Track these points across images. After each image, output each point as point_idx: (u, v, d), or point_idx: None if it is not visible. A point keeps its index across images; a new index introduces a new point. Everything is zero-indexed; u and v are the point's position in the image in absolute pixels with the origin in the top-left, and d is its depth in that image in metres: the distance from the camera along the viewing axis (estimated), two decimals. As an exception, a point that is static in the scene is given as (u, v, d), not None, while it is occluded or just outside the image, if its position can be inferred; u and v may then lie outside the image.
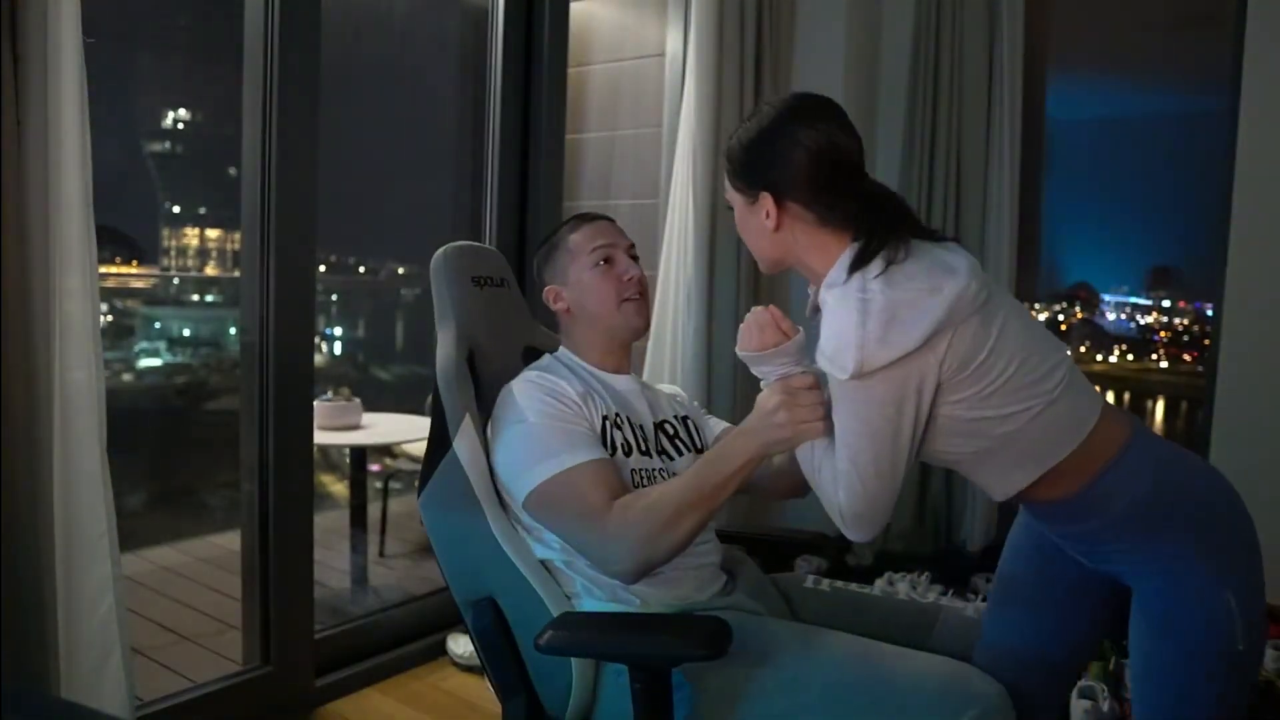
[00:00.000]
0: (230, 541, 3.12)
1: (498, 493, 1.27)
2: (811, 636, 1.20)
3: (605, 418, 1.29)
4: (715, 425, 1.53)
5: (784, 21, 2.92)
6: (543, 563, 1.25)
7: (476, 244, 1.49)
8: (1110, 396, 3.37)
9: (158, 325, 4.21)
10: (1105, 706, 2.01)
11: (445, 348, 1.32)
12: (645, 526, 1.13)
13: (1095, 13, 3.03)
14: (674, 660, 1.08)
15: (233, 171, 2.12)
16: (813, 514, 1.26)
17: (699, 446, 1.42)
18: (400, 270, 4.51)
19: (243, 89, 1.99)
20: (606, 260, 1.37)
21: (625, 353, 1.42)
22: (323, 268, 3.67)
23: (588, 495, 1.17)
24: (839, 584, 1.44)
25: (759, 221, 1.17)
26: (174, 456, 3.84)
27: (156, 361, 4.22)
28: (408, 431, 3.28)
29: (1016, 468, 1.10)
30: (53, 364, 1.40)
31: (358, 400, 3.10)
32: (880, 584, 2.68)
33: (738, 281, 2.75)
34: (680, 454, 1.37)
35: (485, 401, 1.34)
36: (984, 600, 1.49)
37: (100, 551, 1.45)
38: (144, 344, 4.17)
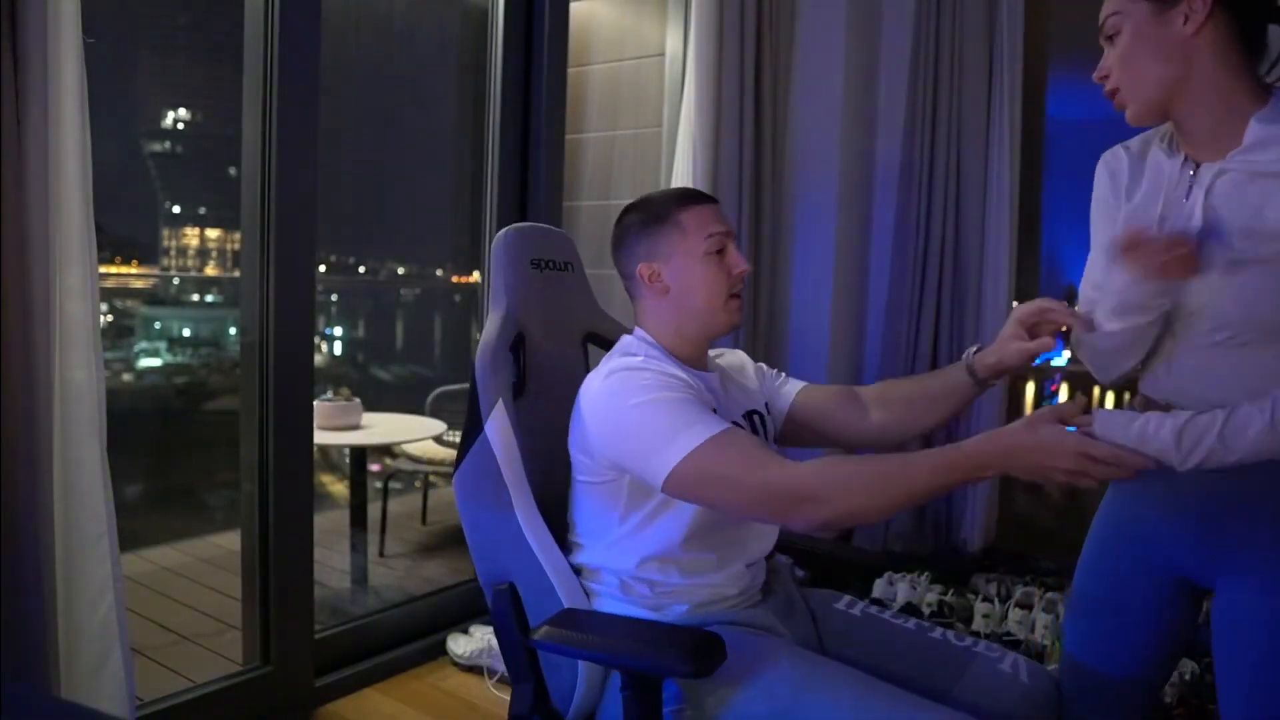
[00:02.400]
0: (230, 541, 3.12)
1: (528, 480, 1.24)
2: (817, 671, 1.13)
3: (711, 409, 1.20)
4: (789, 386, 1.43)
5: (784, 21, 2.92)
6: (575, 569, 1.24)
7: (543, 225, 1.46)
8: (1110, 397, 3.37)
9: (158, 325, 4.21)
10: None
11: (489, 330, 1.30)
12: (861, 477, 1.07)
13: (1095, 13, 3.04)
14: (657, 671, 1.06)
15: (233, 171, 2.11)
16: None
17: (774, 438, 1.36)
18: (400, 270, 4.51)
19: (243, 89, 1.99)
20: (719, 250, 1.26)
21: (707, 348, 1.34)
22: (323, 268, 3.67)
23: (753, 453, 1.09)
24: (873, 610, 1.36)
25: (1169, 34, 0.99)
26: (174, 456, 3.84)
27: (156, 361, 4.22)
28: (408, 431, 3.28)
29: None
30: (53, 364, 1.40)
31: (358, 400, 3.10)
32: (880, 584, 2.69)
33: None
34: None
35: (533, 386, 1.33)
36: (997, 633, 1.46)
37: (100, 551, 1.45)
38: (144, 344, 4.17)
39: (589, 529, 1.25)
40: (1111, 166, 1.16)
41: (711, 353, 1.38)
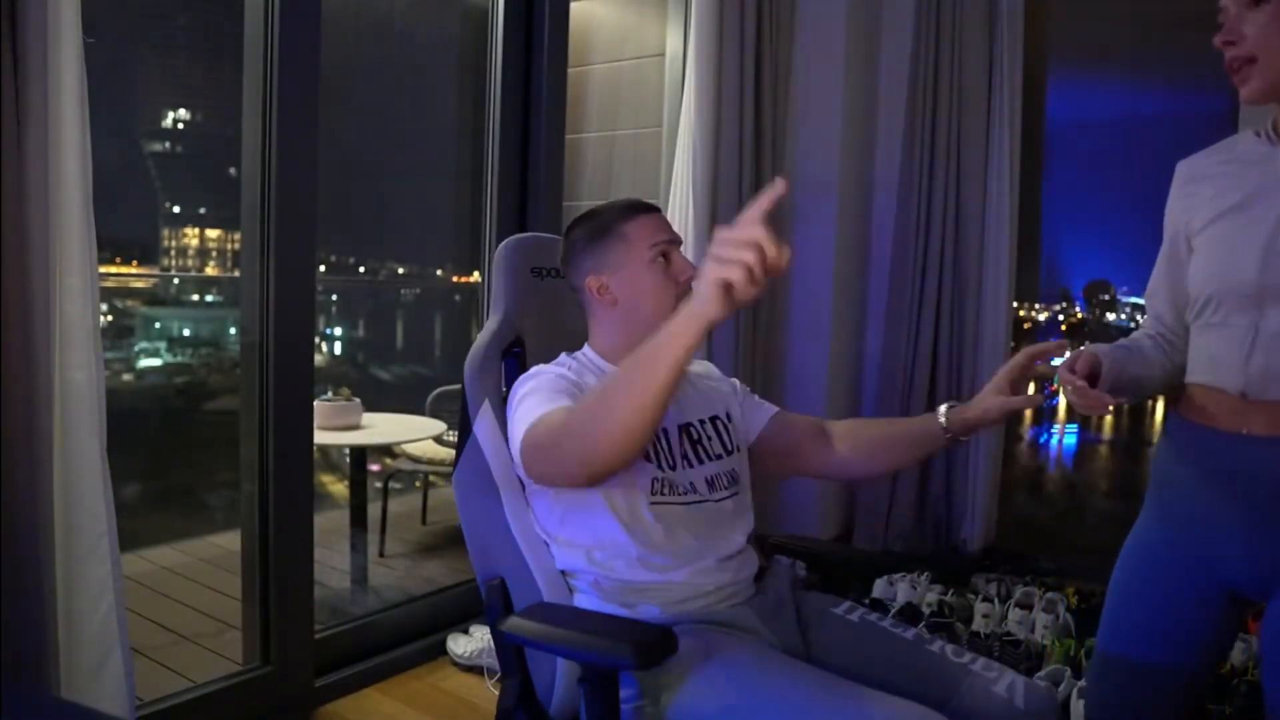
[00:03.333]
0: (230, 541, 3.12)
1: (518, 478, 1.28)
2: (775, 670, 1.12)
3: None
4: (761, 411, 1.45)
5: (784, 21, 2.92)
6: (562, 572, 1.26)
7: (547, 235, 1.49)
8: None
9: (158, 325, 4.21)
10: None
11: (482, 335, 1.35)
12: (579, 416, 1.06)
13: (1095, 13, 3.04)
14: (602, 662, 1.06)
15: (233, 171, 2.12)
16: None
17: (729, 448, 1.35)
18: (400, 270, 4.51)
19: (243, 89, 1.99)
20: (665, 256, 1.28)
21: None
22: (323, 268, 3.67)
23: (555, 417, 1.11)
24: (873, 617, 1.33)
25: None
26: (174, 456, 3.84)
27: (156, 361, 4.22)
28: (408, 431, 3.28)
29: None
30: (53, 364, 1.40)
31: (358, 400, 3.10)
32: (880, 584, 2.69)
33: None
34: (702, 460, 1.30)
35: None
36: (991, 651, 1.43)
37: (100, 551, 1.45)
38: (144, 344, 4.17)
39: (549, 533, 1.27)
40: (1184, 173, 1.18)
41: (693, 367, 1.40)
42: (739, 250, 0.83)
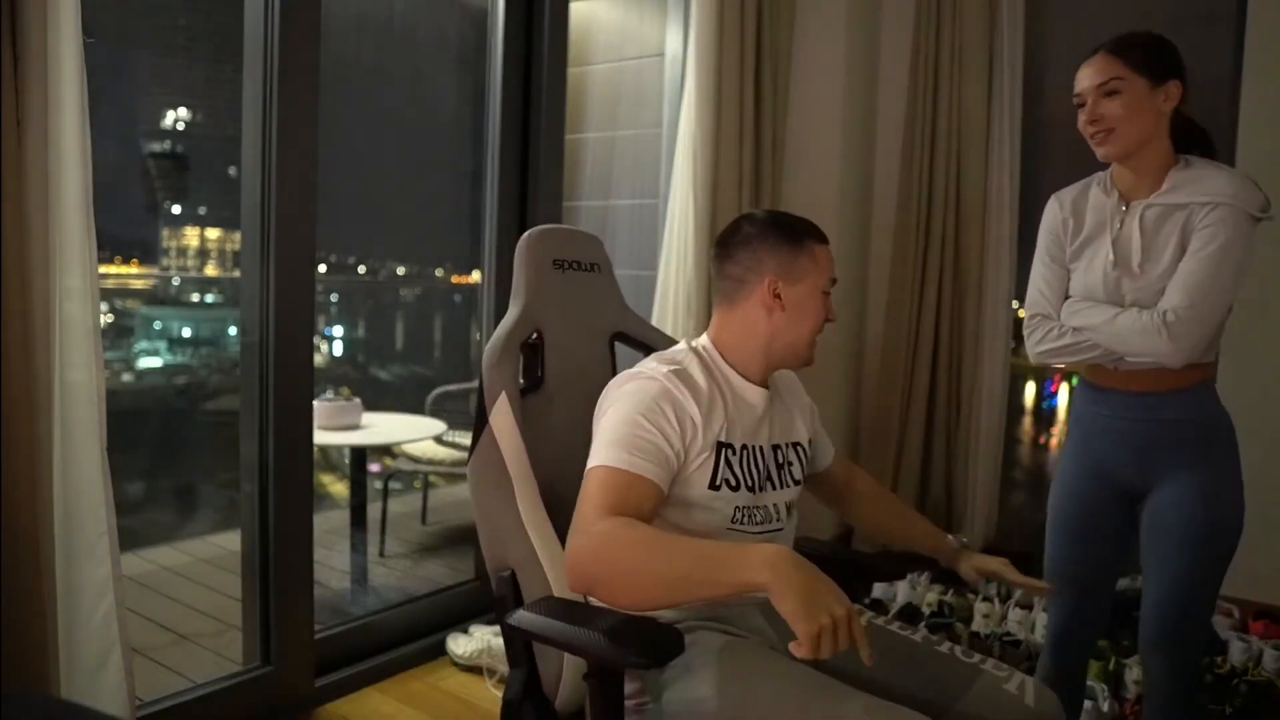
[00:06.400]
0: (230, 541, 3.12)
1: (545, 472, 1.28)
2: (779, 672, 1.12)
3: (722, 444, 1.23)
4: (828, 451, 1.50)
5: (784, 21, 2.92)
6: None
7: (570, 228, 1.49)
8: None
9: (158, 325, 4.21)
10: (1105, 706, 2.01)
11: (501, 327, 1.34)
12: (600, 564, 1.06)
13: (1095, 12, 3.03)
14: (609, 660, 1.05)
15: (233, 171, 2.12)
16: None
17: (798, 478, 1.36)
18: (400, 270, 4.51)
19: (243, 89, 1.99)
20: (826, 292, 1.32)
21: (772, 371, 1.35)
22: (323, 268, 3.67)
23: (597, 496, 1.12)
24: (879, 620, 1.36)
25: (1155, 104, 1.46)
26: (174, 456, 3.84)
27: (156, 361, 4.22)
28: (408, 431, 3.28)
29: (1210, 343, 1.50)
30: (53, 364, 1.40)
31: (358, 400, 3.10)
32: (880, 584, 2.68)
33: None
34: (781, 486, 1.32)
35: (553, 382, 1.37)
36: (1002, 647, 1.56)
37: (100, 551, 1.45)
38: (144, 344, 4.17)
39: None
40: (1061, 201, 1.63)
41: (783, 378, 1.42)
42: (843, 638, 0.92)
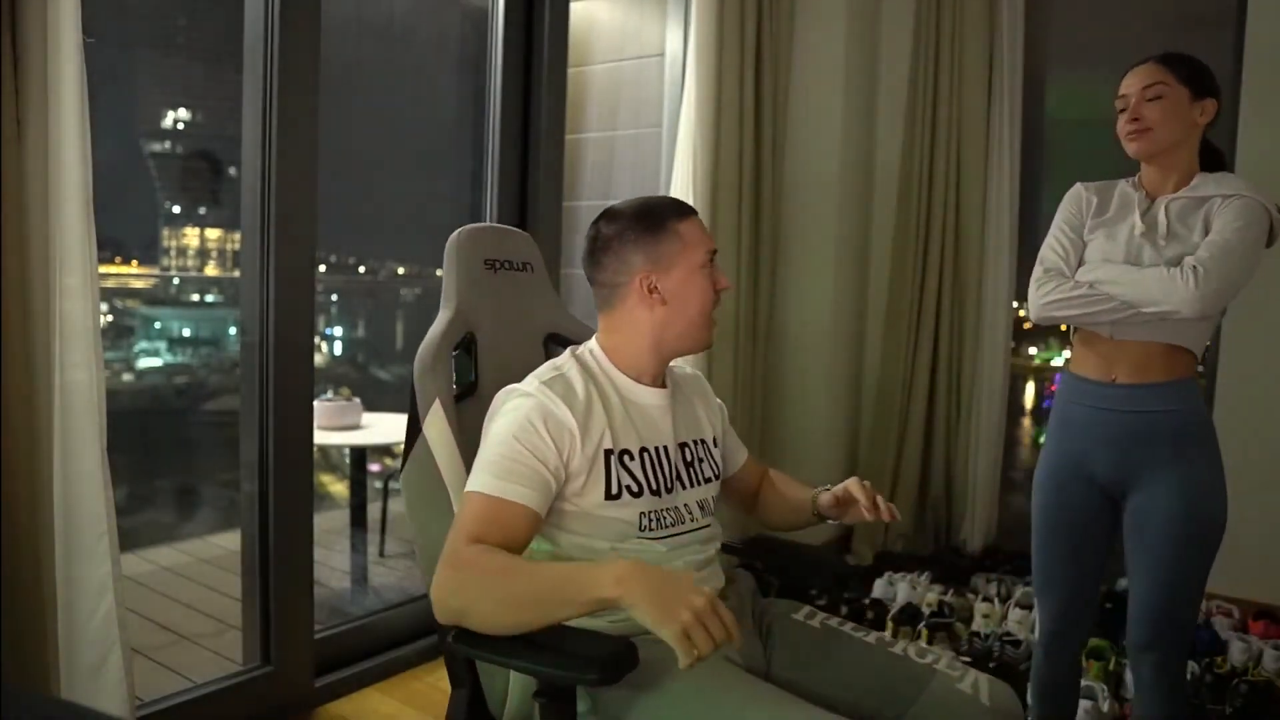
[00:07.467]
0: (230, 541, 3.12)
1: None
2: (736, 688, 1.09)
3: (609, 451, 1.18)
4: (740, 451, 1.45)
5: (784, 21, 2.92)
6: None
7: (501, 226, 1.46)
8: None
9: (158, 325, 4.21)
10: (1105, 706, 2.01)
11: (432, 331, 1.30)
12: (461, 595, 1.05)
13: (1095, 12, 3.03)
14: (563, 678, 1.02)
15: (233, 171, 2.12)
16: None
17: (715, 473, 1.32)
18: (400, 270, 4.51)
19: (243, 89, 1.99)
20: (706, 265, 1.24)
21: (667, 365, 1.30)
22: (323, 268, 3.67)
23: (467, 524, 1.09)
24: (833, 621, 1.31)
25: (1192, 116, 1.54)
26: (174, 456, 3.84)
27: (156, 361, 4.22)
28: (407, 431, 3.27)
29: (1206, 333, 1.59)
30: (53, 364, 1.40)
31: (358, 400, 3.10)
32: (880, 584, 2.69)
33: (736, 281, 2.75)
34: (693, 484, 1.27)
35: (487, 386, 1.31)
36: (965, 651, 1.52)
37: (100, 551, 1.45)
38: (144, 344, 4.17)
39: None
40: (1086, 186, 1.69)
41: (680, 369, 1.37)
42: (715, 627, 0.91)
